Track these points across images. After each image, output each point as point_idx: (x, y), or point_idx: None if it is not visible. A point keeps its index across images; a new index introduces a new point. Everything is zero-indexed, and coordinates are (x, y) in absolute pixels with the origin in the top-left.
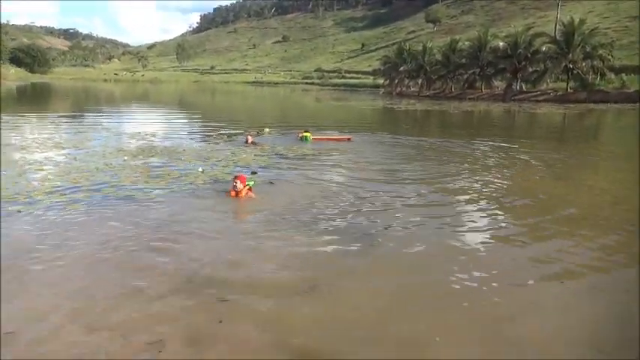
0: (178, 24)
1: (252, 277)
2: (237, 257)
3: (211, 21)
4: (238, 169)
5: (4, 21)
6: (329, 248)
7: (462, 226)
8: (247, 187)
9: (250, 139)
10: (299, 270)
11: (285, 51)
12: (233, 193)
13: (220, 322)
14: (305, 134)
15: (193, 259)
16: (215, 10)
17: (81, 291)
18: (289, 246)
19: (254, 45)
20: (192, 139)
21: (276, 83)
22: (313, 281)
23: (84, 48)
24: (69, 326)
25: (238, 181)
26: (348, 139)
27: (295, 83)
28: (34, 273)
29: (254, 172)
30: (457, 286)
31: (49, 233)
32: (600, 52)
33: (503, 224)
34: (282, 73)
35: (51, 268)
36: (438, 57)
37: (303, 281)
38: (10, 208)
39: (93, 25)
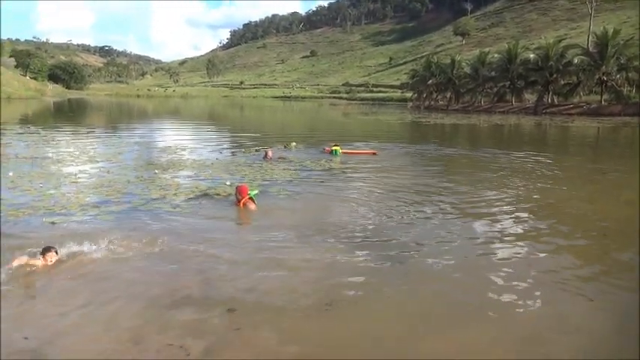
0: (208, 40)
1: (270, 289)
2: (256, 269)
3: (241, 37)
4: (266, 182)
5: (43, 39)
6: (352, 264)
7: (493, 242)
8: (248, 196)
9: (270, 154)
10: (320, 284)
11: (313, 65)
12: (237, 204)
13: (238, 329)
14: (335, 148)
15: (211, 269)
16: (244, 25)
17: (100, 294)
18: (311, 260)
19: (282, 60)
20: (220, 152)
21: (304, 98)
22: (333, 296)
23: (118, 65)
24: (87, 326)
25: (237, 192)
26: (373, 154)
27: (323, 98)
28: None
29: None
30: (485, 305)
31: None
32: (635, 63)
33: (535, 240)
34: (310, 88)
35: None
36: (467, 70)
37: (322, 296)
38: (45, 220)
39: (127, 41)
